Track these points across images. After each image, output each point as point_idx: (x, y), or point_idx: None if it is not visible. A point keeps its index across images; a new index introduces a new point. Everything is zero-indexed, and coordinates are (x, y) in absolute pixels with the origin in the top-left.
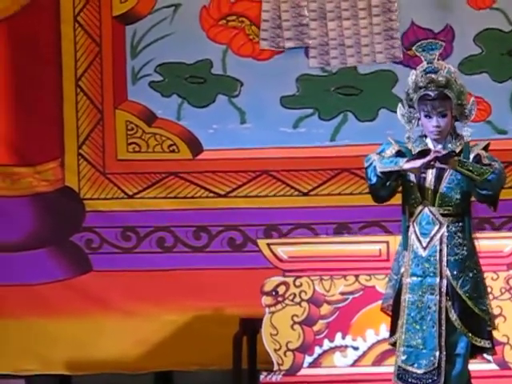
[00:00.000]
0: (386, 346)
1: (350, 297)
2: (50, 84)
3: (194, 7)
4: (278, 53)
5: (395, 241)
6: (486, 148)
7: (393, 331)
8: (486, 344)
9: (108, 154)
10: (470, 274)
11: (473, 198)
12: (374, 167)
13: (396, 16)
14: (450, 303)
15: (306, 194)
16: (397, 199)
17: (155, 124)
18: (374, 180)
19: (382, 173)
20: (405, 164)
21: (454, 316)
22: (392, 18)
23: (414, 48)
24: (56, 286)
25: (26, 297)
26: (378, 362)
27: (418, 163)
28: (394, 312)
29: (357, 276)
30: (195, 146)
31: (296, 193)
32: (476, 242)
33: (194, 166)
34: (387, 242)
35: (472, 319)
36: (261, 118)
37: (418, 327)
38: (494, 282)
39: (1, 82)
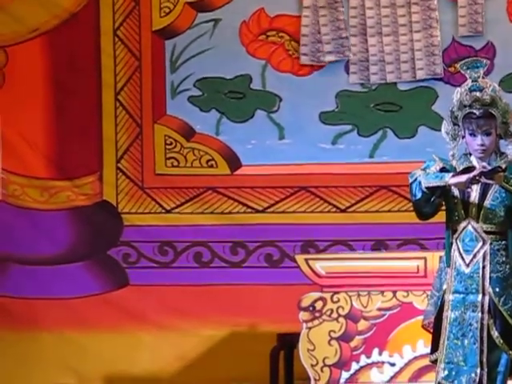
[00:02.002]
0: (422, 363)
1: (388, 313)
2: (89, 98)
3: (233, 22)
4: (317, 68)
5: (433, 257)
6: None
7: (434, 348)
8: None
9: (146, 168)
10: None
11: None
12: (419, 182)
13: (437, 32)
14: (491, 320)
15: (343, 211)
16: (434, 217)
17: (194, 139)
18: (419, 195)
19: (427, 188)
20: (450, 179)
21: (495, 333)
22: (433, 34)
23: (458, 66)
24: (93, 300)
25: (63, 311)
26: (415, 378)
27: (463, 178)
28: (436, 329)
29: (394, 292)
30: (233, 162)
31: (334, 209)
32: None
33: (232, 182)
34: (425, 259)
35: None
36: (300, 133)
37: (459, 344)
38: None
39: (41, 95)
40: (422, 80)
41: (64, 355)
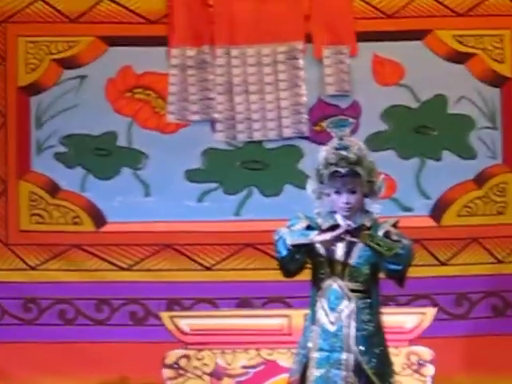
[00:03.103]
0: None
1: (252, 371)
2: None
3: (99, 79)
4: (183, 126)
5: (297, 315)
6: (395, 225)
7: None
8: None
9: (10, 224)
10: (377, 351)
11: (381, 275)
12: (284, 240)
13: (303, 91)
14: (356, 379)
15: (209, 269)
16: (299, 275)
17: (59, 195)
18: (284, 253)
19: (292, 246)
20: (316, 236)
21: None
22: (299, 93)
23: (324, 124)
24: None
25: None
26: None
27: (328, 236)
28: None
29: (258, 350)
30: (99, 219)
31: (199, 267)
32: (382, 317)
33: (97, 239)
34: (289, 316)
35: None
36: (165, 191)
37: None
38: (395, 357)
39: None
40: (288, 138)
41: None
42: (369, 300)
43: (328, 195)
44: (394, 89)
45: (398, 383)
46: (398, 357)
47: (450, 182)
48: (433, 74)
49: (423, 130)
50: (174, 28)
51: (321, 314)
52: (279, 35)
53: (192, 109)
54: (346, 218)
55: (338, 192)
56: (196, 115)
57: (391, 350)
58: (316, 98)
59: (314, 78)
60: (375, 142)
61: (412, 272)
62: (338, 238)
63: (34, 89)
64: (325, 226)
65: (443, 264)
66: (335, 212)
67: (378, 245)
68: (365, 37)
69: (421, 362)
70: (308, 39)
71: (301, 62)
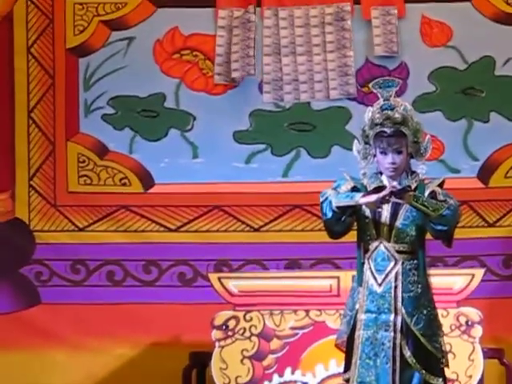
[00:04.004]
0: (335, 382)
1: (300, 332)
2: (2, 115)
3: (147, 41)
4: (231, 88)
5: (346, 276)
6: (441, 185)
7: (347, 367)
8: (439, 381)
9: (59, 186)
10: (424, 312)
11: (428, 236)
12: (330, 202)
13: (351, 52)
14: (404, 340)
15: (257, 230)
16: (347, 236)
17: (107, 157)
18: (330, 215)
19: (337, 207)
20: (361, 199)
21: (407, 353)
22: (347, 55)
23: (370, 85)
24: (4, 319)
25: None
26: None
27: (373, 197)
28: (348, 348)
29: (307, 311)
30: (147, 180)
31: (247, 228)
32: (430, 279)
33: (145, 200)
34: (338, 278)
35: (425, 357)
36: (213, 152)
37: (371, 363)
38: (444, 318)
39: None
40: (336, 100)
41: None
42: (415, 261)
43: (374, 156)
44: (441, 50)
45: (446, 344)
46: (447, 318)
47: (498, 143)
48: (480, 36)
49: (471, 91)
50: None
51: (368, 276)
52: None
53: (233, 66)
54: (392, 178)
55: (383, 152)
56: (236, 72)
57: (439, 312)
58: (363, 60)
59: (361, 39)
60: (423, 103)
61: (460, 233)
62: (383, 200)
63: (82, 50)
64: (370, 187)
65: (491, 225)
66: (381, 173)
67: (424, 205)
68: None
69: (469, 323)
70: (356, 1)
71: (348, 23)
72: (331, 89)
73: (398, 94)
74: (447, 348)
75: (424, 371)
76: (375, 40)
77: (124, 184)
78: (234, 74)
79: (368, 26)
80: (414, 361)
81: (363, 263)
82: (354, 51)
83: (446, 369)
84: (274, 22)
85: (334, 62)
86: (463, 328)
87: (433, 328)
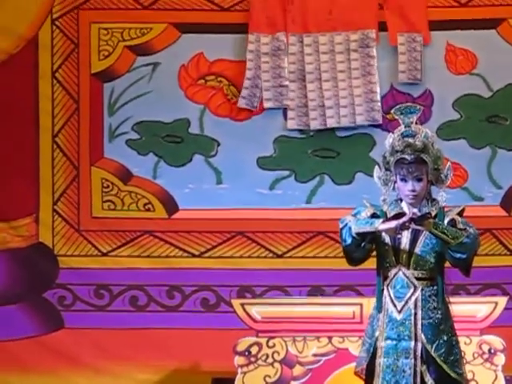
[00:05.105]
0: None
1: (323, 358)
2: (26, 139)
3: (172, 66)
4: (255, 113)
5: (369, 303)
6: (460, 213)
7: None
8: None
9: (83, 210)
10: (445, 338)
11: (448, 264)
12: (349, 228)
13: (376, 79)
14: (424, 367)
15: (280, 256)
16: (370, 263)
17: (131, 182)
18: (349, 241)
19: (357, 234)
20: (380, 225)
21: (429, 380)
22: (372, 81)
23: (392, 111)
24: (28, 343)
25: None
26: None
27: (393, 224)
28: (368, 376)
29: (330, 338)
30: (171, 206)
31: (271, 254)
32: (450, 306)
33: (168, 226)
34: (361, 305)
35: (448, 383)
36: (237, 178)
37: None
38: (466, 346)
39: None
40: (360, 126)
41: None
42: (435, 287)
43: (394, 182)
44: (466, 78)
45: (469, 372)
46: (469, 346)
47: None
48: (505, 63)
49: (495, 119)
50: (250, 14)
51: (387, 303)
52: (352, 23)
53: (265, 96)
54: (412, 205)
55: (403, 179)
56: (268, 102)
57: (462, 339)
58: (388, 87)
59: (385, 66)
60: (447, 131)
61: (482, 261)
62: (403, 227)
63: (107, 75)
64: (390, 214)
65: None
66: (401, 200)
67: (444, 233)
68: (438, 26)
69: (492, 351)
70: (380, 27)
71: (374, 50)
72: (357, 114)
73: (423, 121)
74: (469, 376)
75: None
76: (400, 67)
77: (148, 209)
78: (267, 104)
79: (392, 52)
80: None
81: (382, 290)
82: (379, 78)
83: None
84: (298, 49)
85: (359, 88)
86: (486, 356)
87: (454, 354)
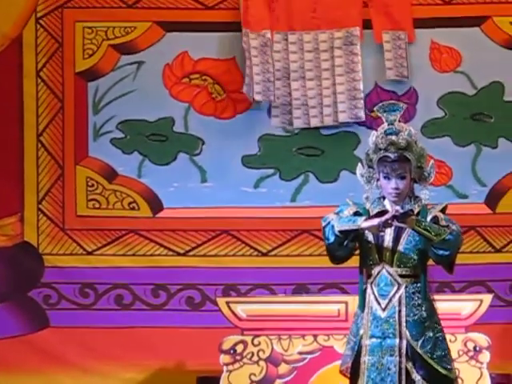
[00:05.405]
0: None
1: (308, 357)
2: (11, 138)
3: (157, 65)
4: (240, 112)
5: (354, 301)
6: (443, 210)
7: None
8: None
9: (68, 209)
10: (431, 334)
11: (430, 261)
12: (332, 226)
13: (359, 76)
14: (410, 364)
15: (265, 255)
16: (355, 261)
17: (116, 181)
18: (332, 239)
19: (339, 232)
20: (363, 223)
21: (417, 377)
22: (355, 79)
23: (375, 109)
24: (12, 342)
25: None
26: None
27: (376, 221)
28: (353, 374)
29: (315, 336)
30: (155, 204)
31: (255, 253)
32: (434, 303)
33: (153, 224)
34: (346, 303)
35: (437, 379)
36: (222, 177)
37: None
38: (452, 344)
39: None
40: (345, 124)
41: None
42: (419, 285)
43: (377, 180)
44: (450, 75)
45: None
46: (454, 343)
47: (506, 169)
48: (490, 61)
49: (479, 117)
50: (241, 11)
51: (371, 301)
52: (336, 21)
53: (256, 89)
54: (395, 203)
55: (386, 177)
56: (259, 95)
57: (447, 337)
58: (373, 85)
59: (370, 64)
60: (431, 128)
61: (467, 259)
62: (386, 224)
63: (92, 74)
64: (373, 211)
65: (498, 251)
66: (384, 198)
67: (427, 230)
68: (422, 23)
69: (477, 348)
70: (364, 25)
71: (357, 47)
72: (340, 111)
73: (407, 119)
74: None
75: None
76: (387, 64)
77: (133, 208)
78: (257, 97)
79: (377, 50)
80: None
81: (365, 288)
82: (364, 76)
83: None
84: (283, 47)
85: (342, 86)
86: (471, 353)
87: (441, 350)
